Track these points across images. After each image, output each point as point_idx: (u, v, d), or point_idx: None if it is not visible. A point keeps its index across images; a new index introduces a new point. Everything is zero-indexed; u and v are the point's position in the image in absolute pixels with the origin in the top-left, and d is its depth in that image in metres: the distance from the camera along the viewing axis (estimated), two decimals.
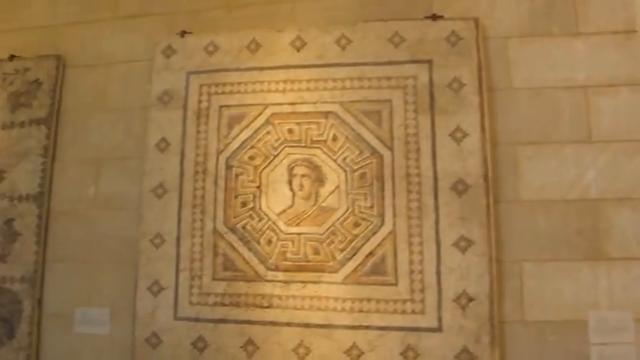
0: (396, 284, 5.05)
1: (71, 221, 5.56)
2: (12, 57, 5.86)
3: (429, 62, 5.48)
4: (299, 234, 5.32)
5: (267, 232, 5.33)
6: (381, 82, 5.55)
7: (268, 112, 5.55)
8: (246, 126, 5.57)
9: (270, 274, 5.19)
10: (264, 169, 5.44)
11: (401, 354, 4.78)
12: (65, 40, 5.92)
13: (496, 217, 5.03)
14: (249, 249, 5.29)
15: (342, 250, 5.20)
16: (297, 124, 5.54)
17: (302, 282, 5.14)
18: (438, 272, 4.90)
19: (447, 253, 4.92)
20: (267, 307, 5.13)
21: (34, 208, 5.48)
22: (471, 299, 4.76)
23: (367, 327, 4.94)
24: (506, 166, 5.15)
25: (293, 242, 5.31)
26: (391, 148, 5.38)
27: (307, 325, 5.03)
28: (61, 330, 5.38)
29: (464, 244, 4.93)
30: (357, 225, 5.27)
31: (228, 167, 5.47)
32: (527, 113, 5.18)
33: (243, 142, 5.52)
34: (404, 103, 5.50)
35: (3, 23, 6.11)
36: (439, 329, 4.77)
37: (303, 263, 5.22)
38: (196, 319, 5.21)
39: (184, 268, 5.34)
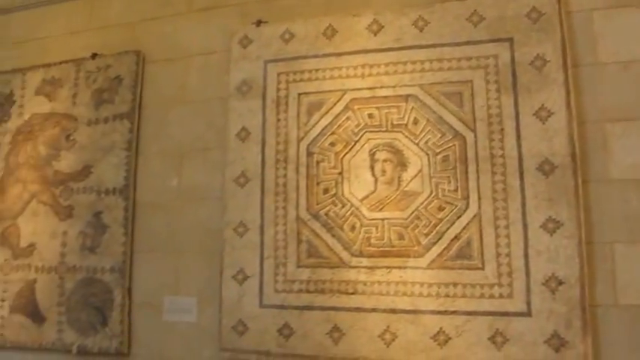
0: (482, 268, 5.02)
1: (156, 212, 5.78)
2: (94, 55, 6.13)
3: (510, 40, 5.40)
4: (382, 219, 5.35)
5: (351, 218, 5.39)
6: (461, 62, 5.51)
7: (347, 97, 5.61)
8: (326, 112, 5.64)
9: (355, 261, 5.25)
10: (345, 155, 5.50)
11: (489, 339, 4.75)
12: (144, 36, 6.14)
13: (585, 197, 4.90)
14: (333, 235, 5.36)
15: (427, 235, 5.20)
16: (377, 108, 5.57)
17: (387, 267, 5.16)
18: (526, 255, 4.84)
19: (534, 235, 4.85)
20: (352, 294, 5.19)
21: (120, 200, 5.73)
22: (560, 282, 4.68)
23: (454, 312, 4.94)
24: (595, 145, 5.02)
25: (377, 228, 5.35)
26: (474, 130, 5.35)
27: (393, 311, 5.07)
28: (151, 318, 5.60)
29: (552, 226, 4.85)
30: (441, 209, 5.27)
31: (309, 154, 5.56)
32: (615, 89, 5.02)
33: (324, 129, 5.58)
34: (485, 83, 5.45)
35: (84, 23, 6.39)
36: (528, 314, 4.72)
37: (387, 249, 5.26)
38: (282, 307, 5.32)
39: (269, 255, 5.45)
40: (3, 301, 5.84)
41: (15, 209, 5.99)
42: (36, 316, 5.69)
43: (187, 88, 5.92)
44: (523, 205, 5.02)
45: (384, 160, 5.50)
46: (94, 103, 5.99)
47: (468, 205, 5.23)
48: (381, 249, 5.28)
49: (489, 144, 5.35)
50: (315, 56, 5.75)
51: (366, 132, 5.53)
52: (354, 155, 5.49)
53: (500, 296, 4.88)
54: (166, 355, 5.50)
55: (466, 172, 5.32)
